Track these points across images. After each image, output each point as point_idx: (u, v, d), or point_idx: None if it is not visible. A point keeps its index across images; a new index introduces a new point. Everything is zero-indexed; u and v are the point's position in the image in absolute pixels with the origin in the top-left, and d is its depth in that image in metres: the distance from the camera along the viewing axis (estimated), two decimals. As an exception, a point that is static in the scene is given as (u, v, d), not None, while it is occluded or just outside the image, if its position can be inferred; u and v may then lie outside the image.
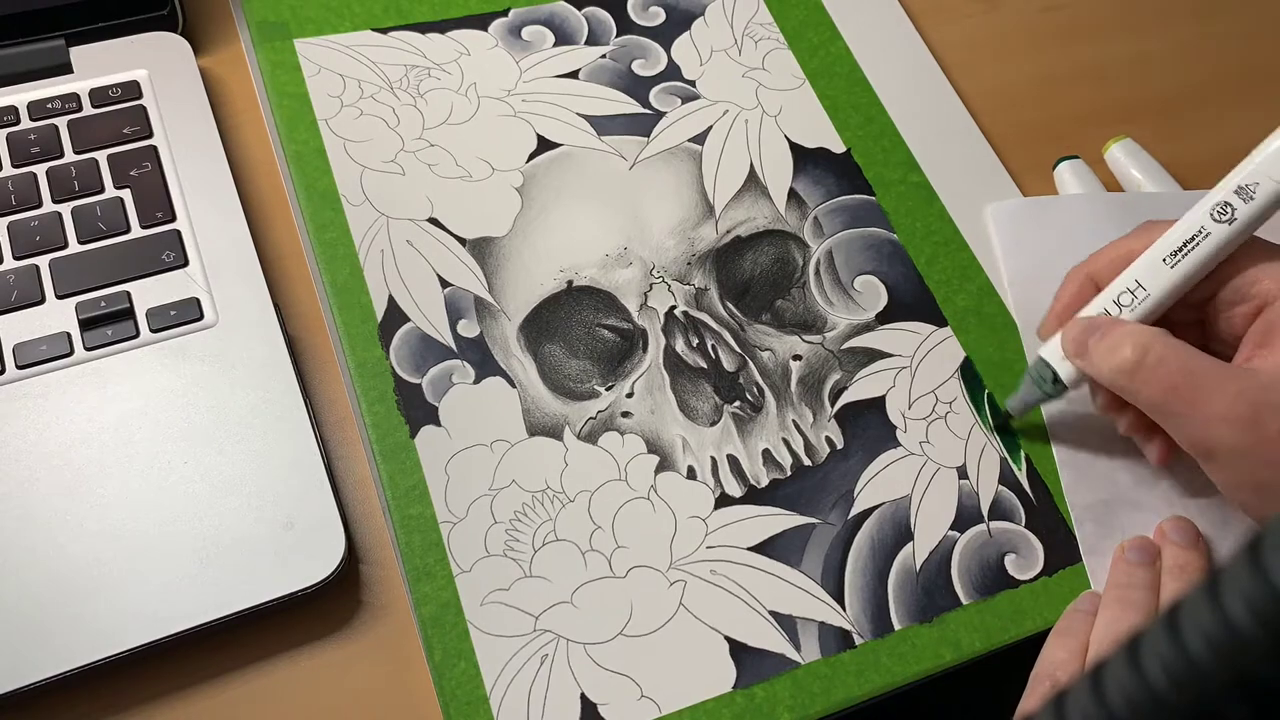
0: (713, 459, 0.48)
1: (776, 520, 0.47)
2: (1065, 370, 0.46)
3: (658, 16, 0.62)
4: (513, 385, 0.49)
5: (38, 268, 0.48)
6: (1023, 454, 0.49)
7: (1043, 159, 0.59)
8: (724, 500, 0.47)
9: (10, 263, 0.48)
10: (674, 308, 0.52)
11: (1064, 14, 0.66)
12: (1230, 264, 0.44)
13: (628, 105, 0.58)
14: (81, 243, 0.49)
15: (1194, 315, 0.47)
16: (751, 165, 0.57)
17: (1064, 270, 0.49)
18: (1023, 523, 0.48)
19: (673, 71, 0.60)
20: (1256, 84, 0.64)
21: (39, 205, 0.49)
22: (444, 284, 0.51)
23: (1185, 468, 0.48)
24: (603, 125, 0.57)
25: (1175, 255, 0.44)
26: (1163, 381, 0.42)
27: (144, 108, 0.53)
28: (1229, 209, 0.43)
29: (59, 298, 0.47)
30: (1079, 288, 0.48)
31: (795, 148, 0.58)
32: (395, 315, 0.50)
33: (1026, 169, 0.59)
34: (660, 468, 0.47)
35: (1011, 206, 0.56)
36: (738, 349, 0.51)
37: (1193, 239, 0.44)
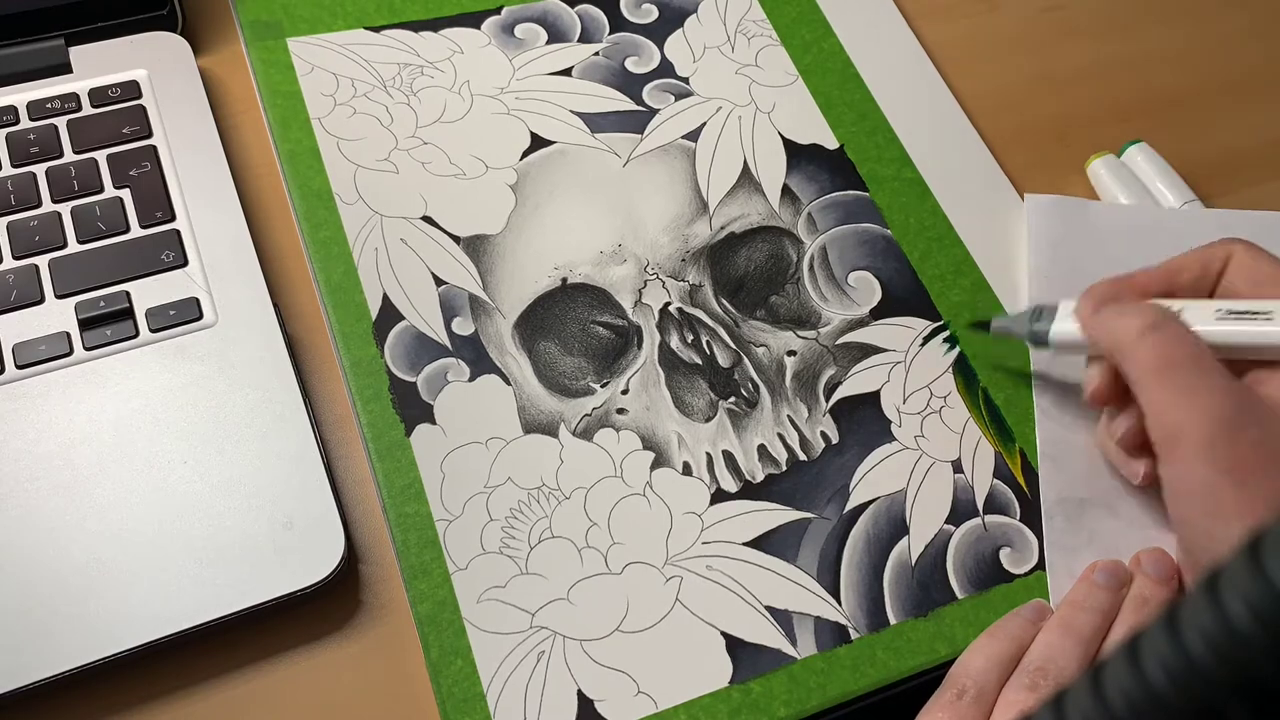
0: (708, 455, 0.48)
1: (772, 515, 0.47)
2: (1061, 328, 0.47)
3: (650, 14, 0.62)
4: (508, 383, 0.49)
5: (37, 267, 0.48)
6: (1017, 447, 0.50)
7: (1040, 157, 0.60)
8: (719, 496, 0.47)
9: (10, 262, 0.48)
10: (668, 304, 0.52)
11: (1064, 14, 0.66)
12: None
13: (621, 102, 0.58)
14: (81, 242, 0.49)
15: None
16: (745, 162, 0.57)
17: (1089, 274, 0.47)
18: (1017, 516, 0.48)
19: (666, 68, 0.60)
20: (1256, 84, 0.64)
21: (38, 205, 0.49)
22: (438, 282, 0.51)
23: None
24: (596, 122, 0.57)
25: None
26: (1159, 353, 0.41)
27: (143, 107, 0.53)
28: None
29: (58, 297, 0.47)
30: (1161, 281, 0.46)
31: (788, 144, 0.58)
32: (390, 313, 0.50)
33: (1023, 166, 0.59)
34: (656, 464, 0.48)
35: (1049, 201, 0.56)
36: (732, 345, 0.51)
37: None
